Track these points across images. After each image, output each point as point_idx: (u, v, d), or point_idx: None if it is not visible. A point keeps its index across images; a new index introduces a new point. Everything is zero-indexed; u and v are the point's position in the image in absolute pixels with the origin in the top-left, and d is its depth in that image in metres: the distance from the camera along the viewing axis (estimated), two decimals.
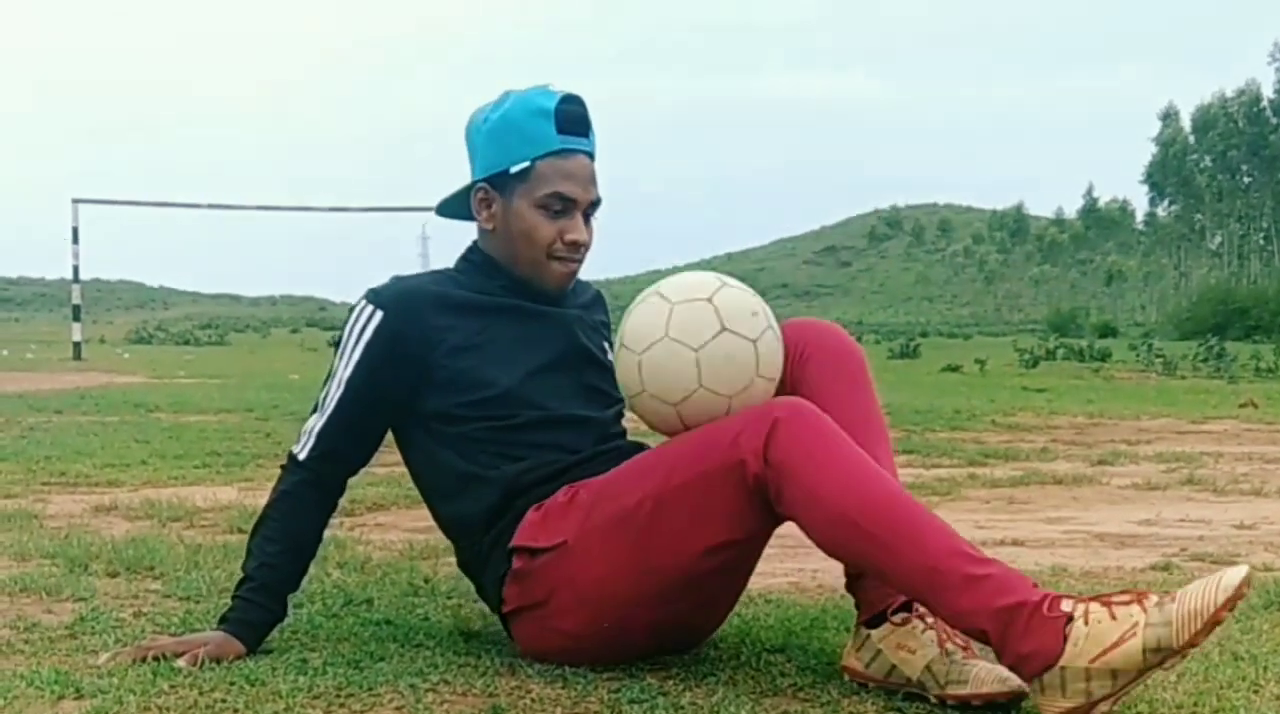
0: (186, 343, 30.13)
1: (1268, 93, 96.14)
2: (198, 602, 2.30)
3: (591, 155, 1.99)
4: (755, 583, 2.08)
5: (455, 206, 2.08)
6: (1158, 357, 16.93)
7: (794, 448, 1.67)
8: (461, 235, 2.09)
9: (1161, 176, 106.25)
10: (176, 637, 1.96)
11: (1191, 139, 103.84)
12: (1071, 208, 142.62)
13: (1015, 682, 1.61)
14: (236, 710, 1.63)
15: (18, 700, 1.66)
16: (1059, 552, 3.04)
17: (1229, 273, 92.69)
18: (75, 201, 17.92)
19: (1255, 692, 1.76)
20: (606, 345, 2.10)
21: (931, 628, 1.72)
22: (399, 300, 1.96)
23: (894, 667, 1.74)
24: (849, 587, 1.84)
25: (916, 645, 1.72)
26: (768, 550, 1.94)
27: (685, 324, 1.79)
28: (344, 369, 1.95)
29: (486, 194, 2.00)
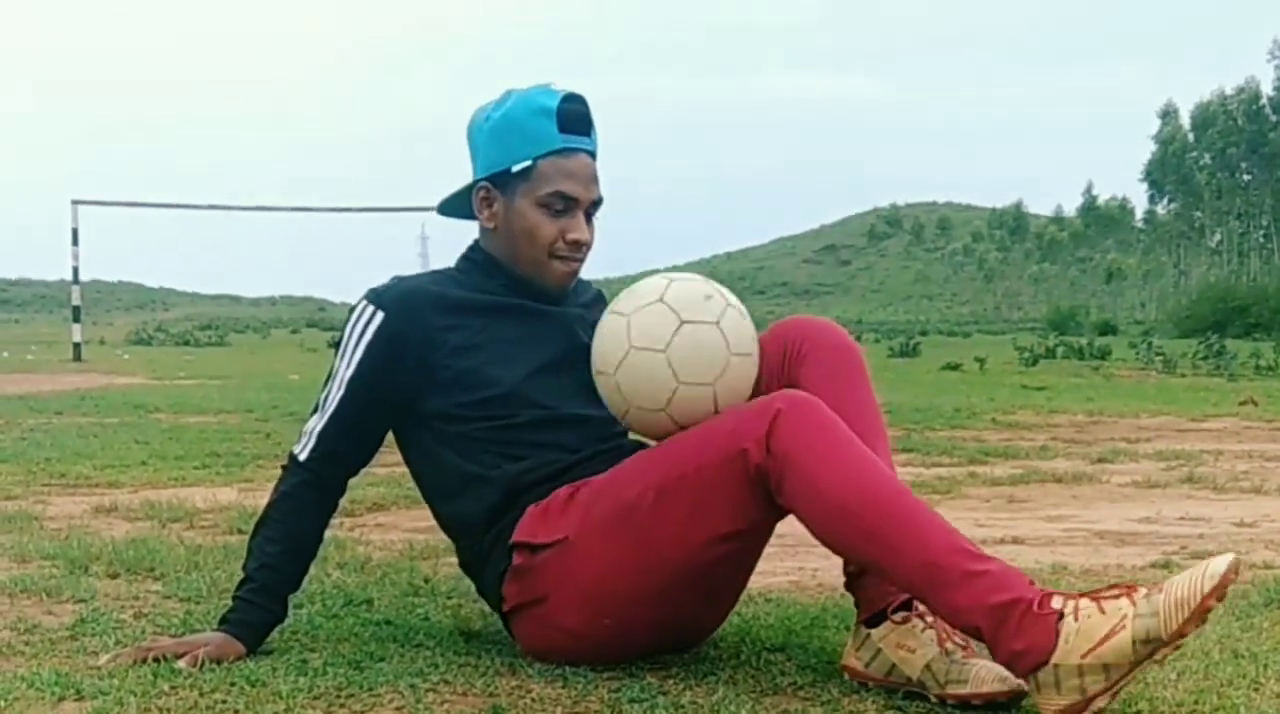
0: (186, 344, 30.10)
1: (1267, 90, 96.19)
2: (198, 603, 2.30)
3: (593, 154, 2.00)
4: (755, 582, 2.08)
5: (457, 205, 2.08)
6: (1157, 354, 16.92)
7: (796, 438, 1.67)
8: (461, 235, 2.08)
9: (1161, 174, 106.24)
10: (177, 638, 1.96)
11: (1191, 137, 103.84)
12: (1071, 206, 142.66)
13: (1015, 680, 1.61)
14: (237, 711, 1.63)
15: (18, 702, 1.66)
16: (1059, 550, 3.04)
17: (1229, 271, 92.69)
18: (75, 203, 17.90)
19: (1256, 689, 1.76)
20: None
21: (931, 627, 1.72)
22: (400, 301, 1.95)
23: (894, 666, 1.74)
24: (849, 586, 1.84)
25: (916, 644, 1.72)
26: (768, 549, 1.94)
27: (645, 329, 1.82)
28: (344, 370, 1.95)
29: (488, 193, 2.00)
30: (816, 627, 2.12)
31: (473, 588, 2.05)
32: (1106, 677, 1.51)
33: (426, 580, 2.52)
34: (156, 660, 1.81)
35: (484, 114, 2.00)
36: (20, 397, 8.64)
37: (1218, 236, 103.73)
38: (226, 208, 24.83)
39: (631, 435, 2.04)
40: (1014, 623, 1.55)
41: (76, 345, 17.74)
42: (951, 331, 56.34)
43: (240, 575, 1.97)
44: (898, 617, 1.75)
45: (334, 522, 2.05)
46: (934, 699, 1.70)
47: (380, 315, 1.94)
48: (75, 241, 17.71)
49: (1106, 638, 1.51)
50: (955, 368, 15.38)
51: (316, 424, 1.97)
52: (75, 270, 18.09)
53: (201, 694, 1.68)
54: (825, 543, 1.71)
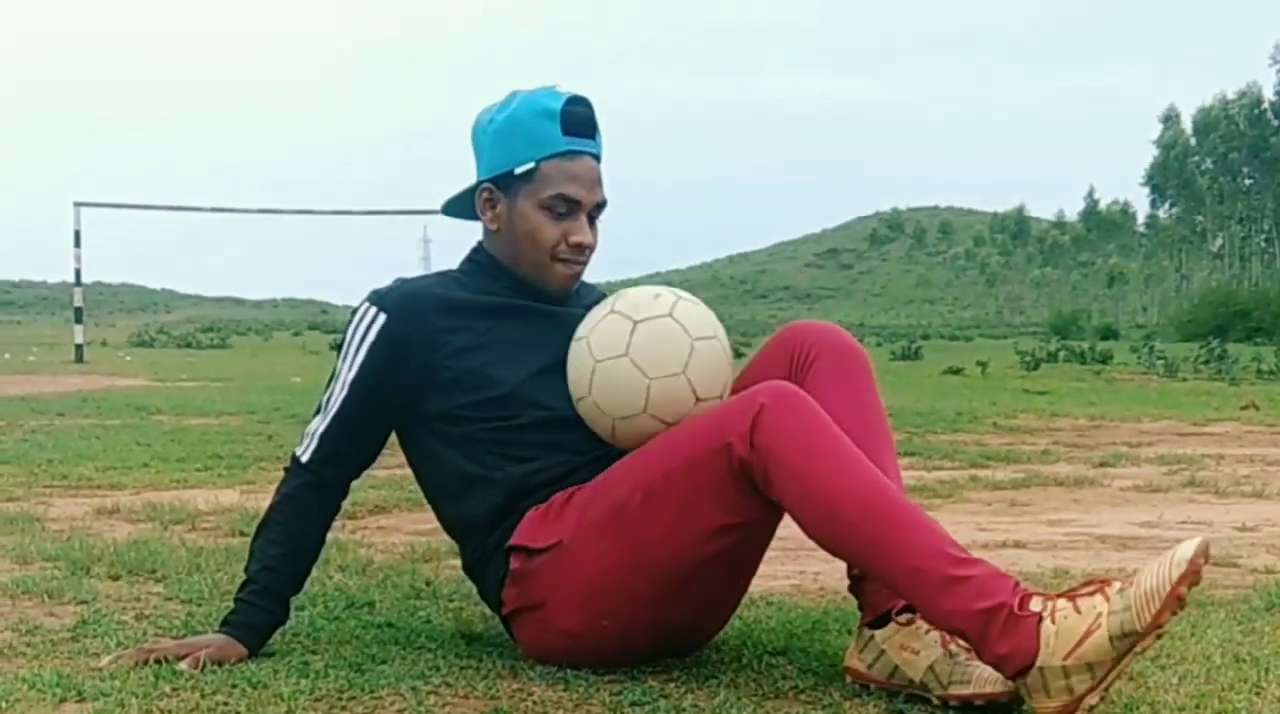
0: (188, 346, 30.10)
1: (1269, 95, 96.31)
2: (199, 604, 2.30)
3: (597, 157, 2.00)
4: (756, 585, 2.08)
5: (460, 206, 2.08)
6: (1159, 359, 16.93)
7: (780, 433, 1.67)
8: (463, 238, 2.10)
9: (1163, 179, 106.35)
10: (178, 639, 1.96)
11: (1193, 141, 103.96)
12: (1073, 210, 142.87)
13: None
14: (239, 713, 1.63)
15: (20, 703, 1.66)
16: (1061, 554, 3.04)
17: (1230, 275, 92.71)
18: (77, 205, 17.91)
19: (1257, 694, 1.75)
20: None
21: (935, 628, 1.72)
22: (402, 303, 1.95)
23: (897, 667, 1.73)
24: (852, 589, 1.84)
25: (920, 646, 1.72)
26: (769, 553, 1.94)
27: (604, 341, 1.86)
28: (347, 371, 1.95)
29: (491, 194, 2.00)
30: (818, 630, 2.12)
31: (474, 591, 2.05)
32: (1092, 675, 1.52)
33: (428, 583, 2.51)
34: (158, 662, 1.81)
35: (488, 115, 2.00)
36: (22, 398, 8.65)
37: (1219, 241, 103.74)
38: (229, 210, 24.89)
39: None
40: (997, 628, 1.56)
41: (78, 347, 17.75)
42: (953, 336, 56.35)
43: (242, 577, 1.97)
44: (902, 618, 1.75)
45: (336, 524, 2.05)
46: (936, 701, 1.70)
47: (382, 317, 1.94)
48: (77, 243, 17.72)
49: (1085, 637, 1.52)
50: (957, 372, 15.38)
51: (319, 426, 1.97)
52: (77, 272, 18.10)
53: (203, 696, 1.68)
54: (812, 538, 1.71)
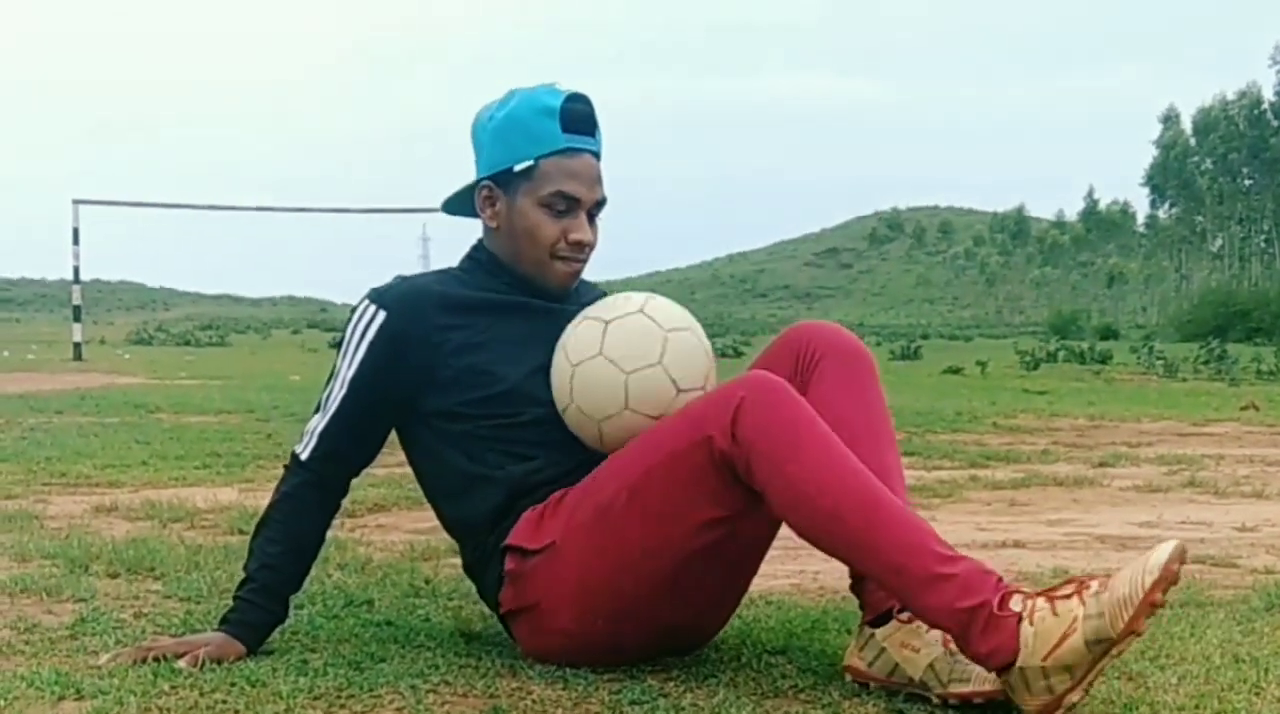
0: (187, 344, 30.13)
1: (1269, 95, 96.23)
2: (198, 603, 2.30)
3: (597, 155, 1.99)
4: (756, 585, 2.08)
5: (460, 204, 2.08)
6: (1159, 359, 16.93)
7: (760, 425, 1.67)
8: (463, 235, 2.09)
9: (1162, 179, 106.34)
10: (177, 637, 1.96)
11: (1192, 141, 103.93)
12: (1072, 210, 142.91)
13: None
14: (237, 711, 1.63)
15: (18, 701, 1.66)
16: (1060, 554, 3.04)
17: (1230, 275, 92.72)
18: (76, 202, 17.92)
19: (1257, 694, 1.75)
20: None
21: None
22: (402, 300, 1.95)
23: (897, 665, 1.73)
24: (853, 588, 1.83)
25: (920, 644, 1.72)
26: (769, 552, 1.94)
27: (578, 345, 1.89)
28: (346, 369, 1.95)
29: (491, 192, 2.00)
30: (817, 629, 2.12)
31: (473, 589, 2.05)
32: (1071, 676, 1.53)
33: (427, 581, 2.51)
34: (157, 660, 1.81)
35: (488, 113, 2.00)
36: (21, 396, 8.65)
37: (1219, 241, 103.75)
38: (228, 208, 24.97)
39: None
40: (978, 627, 1.56)
41: (77, 345, 17.75)
42: (953, 335, 56.37)
43: (241, 575, 1.96)
44: (904, 616, 1.75)
45: (335, 522, 2.04)
46: (935, 700, 1.69)
47: (382, 315, 1.94)
48: (76, 241, 17.73)
49: (1061, 641, 1.53)
50: (957, 371, 15.39)
51: (318, 424, 1.97)
52: (76, 270, 18.10)
53: (202, 694, 1.68)
54: (796, 531, 1.71)
